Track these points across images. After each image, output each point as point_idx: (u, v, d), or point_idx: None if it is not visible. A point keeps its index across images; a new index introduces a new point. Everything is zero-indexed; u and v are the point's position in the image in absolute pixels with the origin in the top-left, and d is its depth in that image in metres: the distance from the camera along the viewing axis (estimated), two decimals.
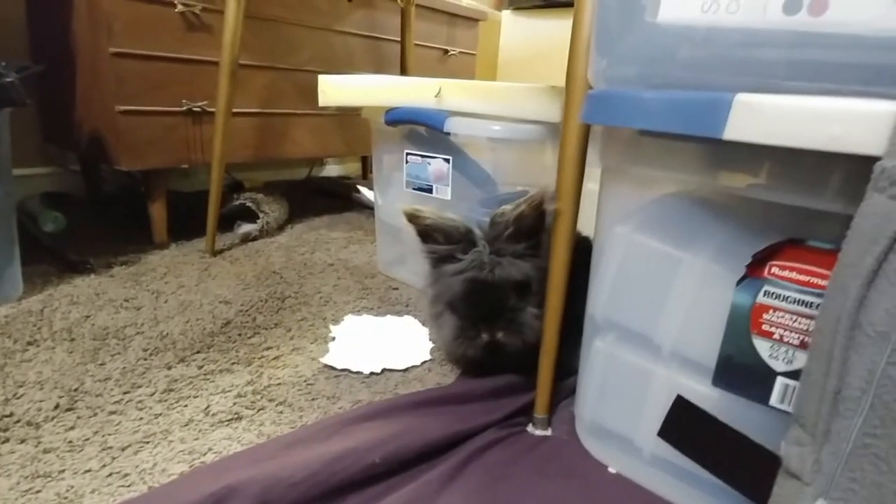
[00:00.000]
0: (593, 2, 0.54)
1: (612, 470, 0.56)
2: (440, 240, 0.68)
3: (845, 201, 0.38)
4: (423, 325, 0.84)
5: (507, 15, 2.32)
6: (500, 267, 0.65)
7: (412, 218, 0.66)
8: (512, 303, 0.65)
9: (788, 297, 0.40)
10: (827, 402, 0.30)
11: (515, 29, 2.32)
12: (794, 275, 0.39)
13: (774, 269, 0.40)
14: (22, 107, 0.76)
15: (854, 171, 0.36)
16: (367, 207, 1.57)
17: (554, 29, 2.19)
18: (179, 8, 0.99)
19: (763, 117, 0.35)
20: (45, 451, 0.52)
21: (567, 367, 0.64)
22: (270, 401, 0.63)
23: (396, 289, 0.99)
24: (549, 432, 0.61)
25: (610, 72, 0.51)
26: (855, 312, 0.28)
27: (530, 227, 0.66)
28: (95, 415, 0.58)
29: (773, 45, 0.41)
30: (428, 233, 0.68)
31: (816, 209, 0.39)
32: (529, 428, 0.61)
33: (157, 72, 1.00)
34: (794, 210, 0.40)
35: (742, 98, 0.35)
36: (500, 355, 0.66)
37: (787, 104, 0.34)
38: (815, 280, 0.38)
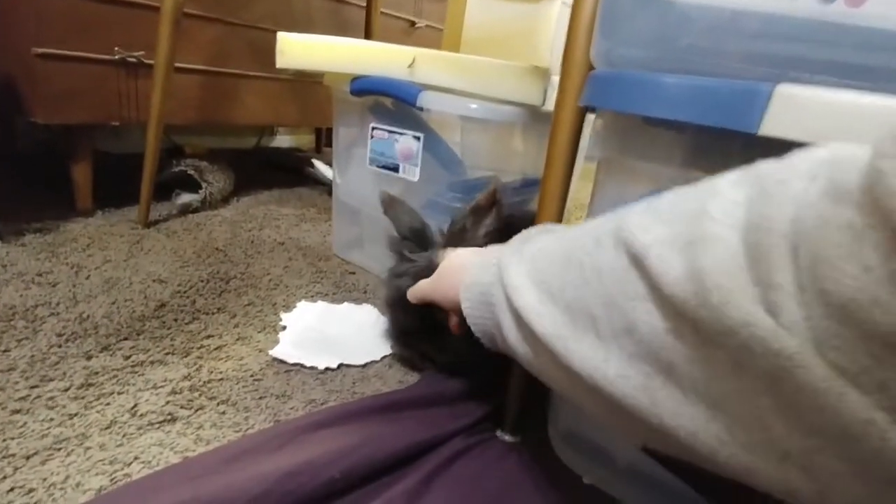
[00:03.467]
0: None
1: (586, 481, 0.53)
2: (406, 234, 0.64)
3: None
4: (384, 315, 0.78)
5: None
6: None
7: (390, 203, 0.63)
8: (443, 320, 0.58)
9: None
10: None
11: (481, 7, 2.24)
12: None
13: None
14: None
15: None
16: (322, 183, 1.48)
17: (521, 11, 2.13)
18: None
19: (807, 113, 0.31)
20: None
21: None
22: (211, 399, 0.55)
23: (353, 273, 0.92)
24: (519, 438, 0.57)
25: (615, 53, 0.46)
26: None
27: (488, 226, 0.61)
28: None
29: (803, 37, 0.38)
30: (402, 223, 0.65)
31: None
32: (499, 433, 0.57)
33: (86, 12, 0.87)
34: None
35: (784, 90, 0.31)
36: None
37: (836, 100, 0.30)
38: None
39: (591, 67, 0.49)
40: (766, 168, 0.22)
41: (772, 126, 0.32)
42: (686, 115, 0.36)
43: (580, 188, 0.88)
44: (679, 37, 0.42)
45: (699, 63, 0.41)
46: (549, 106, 0.82)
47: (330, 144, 1.90)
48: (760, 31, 0.39)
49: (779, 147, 0.25)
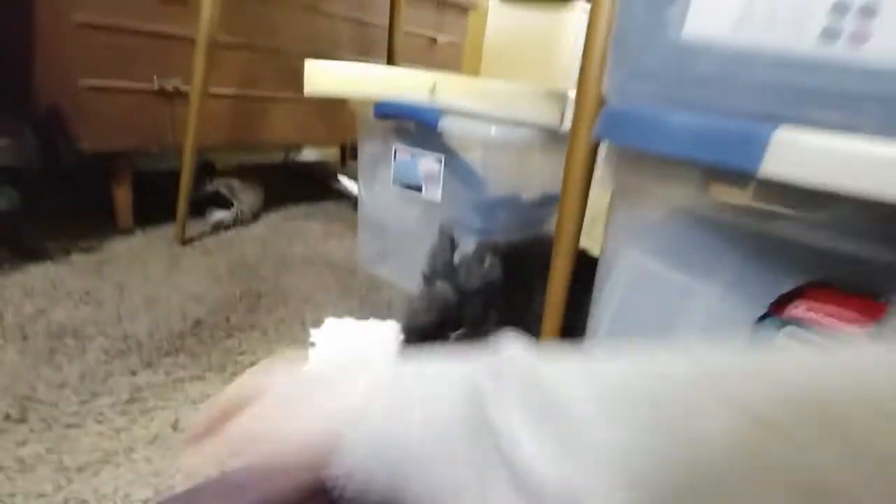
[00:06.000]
0: (611, 9, 0.51)
1: None
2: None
3: (875, 246, 0.37)
4: None
5: (493, 4, 2.27)
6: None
7: (444, 232, 0.68)
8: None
9: (811, 340, 0.38)
10: None
11: (502, 19, 2.27)
12: (819, 317, 0.38)
13: (798, 310, 0.38)
14: None
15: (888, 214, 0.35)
16: (347, 197, 1.52)
17: (542, 22, 2.15)
18: None
19: (804, 157, 0.32)
20: None
21: None
22: None
23: (378, 289, 0.95)
24: None
25: (627, 86, 0.48)
26: None
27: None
28: (50, 428, 0.53)
29: (807, 74, 0.39)
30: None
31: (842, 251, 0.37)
32: None
33: (127, 45, 0.92)
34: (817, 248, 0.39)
35: (781, 134, 0.33)
36: None
37: (832, 146, 0.32)
38: (840, 324, 0.37)
39: (604, 100, 0.51)
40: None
41: (772, 168, 0.33)
42: (692, 153, 0.37)
43: (600, 194, 0.89)
44: (687, 72, 0.44)
45: (707, 97, 0.43)
46: (567, 127, 0.84)
47: (355, 157, 1.95)
48: (766, 66, 0.41)
49: None
